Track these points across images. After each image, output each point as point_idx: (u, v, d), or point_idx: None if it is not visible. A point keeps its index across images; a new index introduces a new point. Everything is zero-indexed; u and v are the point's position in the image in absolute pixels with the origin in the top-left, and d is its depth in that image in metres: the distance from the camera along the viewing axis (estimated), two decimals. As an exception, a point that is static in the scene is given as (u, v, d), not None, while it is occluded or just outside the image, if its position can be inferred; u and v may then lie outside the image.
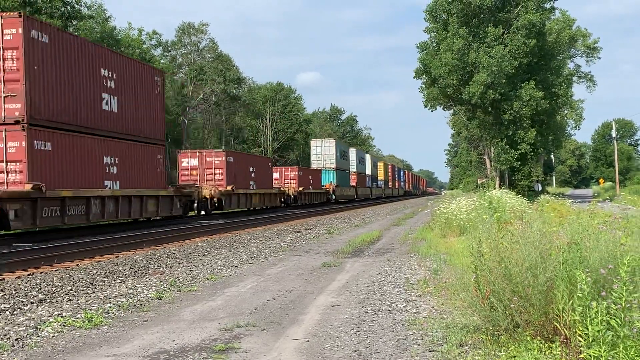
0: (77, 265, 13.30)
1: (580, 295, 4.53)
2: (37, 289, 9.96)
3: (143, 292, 9.54)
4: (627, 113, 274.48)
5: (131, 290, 9.76)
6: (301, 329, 6.85)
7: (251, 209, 39.63)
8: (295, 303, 8.41)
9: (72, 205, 19.23)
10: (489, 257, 5.82)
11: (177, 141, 61.99)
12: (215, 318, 7.54)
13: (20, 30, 17.13)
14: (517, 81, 43.33)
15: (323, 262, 12.71)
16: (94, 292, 9.76)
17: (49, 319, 7.63)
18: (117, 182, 22.11)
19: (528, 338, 5.17)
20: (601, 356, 4.27)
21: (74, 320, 7.50)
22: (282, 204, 46.38)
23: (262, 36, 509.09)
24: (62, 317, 7.75)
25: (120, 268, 12.55)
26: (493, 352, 5.33)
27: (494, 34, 42.09)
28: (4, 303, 8.78)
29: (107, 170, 21.57)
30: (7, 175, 17.13)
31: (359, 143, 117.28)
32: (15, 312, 8.25)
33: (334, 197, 58.47)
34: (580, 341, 4.53)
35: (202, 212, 32.60)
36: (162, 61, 65.05)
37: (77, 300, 9.04)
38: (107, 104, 21.89)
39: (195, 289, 9.80)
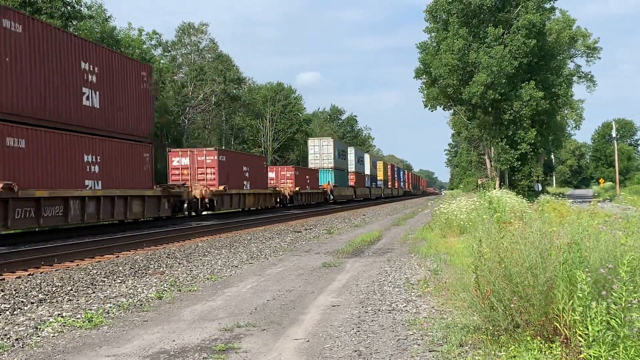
0: (77, 265, 13.30)
1: (580, 295, 4.53)
2: (37, 289, 9.96)
3: (143, 292, 9.55)
4: (627, 113, 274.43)
5: (131, 290, 9.76)
6: (301, 329, 6.85)
7: (246, 209, 38.63)
8: (296, 303, 8.41)
9: (48, 206, 18.21)
10: (489, 257, 5.82)
11: (178, 141, 61.94)
12: (216, 318, 7.54)
13: None
14: (517, 81, 43.33)
15: (323, 262, 12.72)
16: (94, 292, 9.76)
17: (49, 319, 7.64)
18: (99, 182, 21.14)
19: (528, 338, 5.17)
20: (601, 356, 4.27)
21: (74, 320, 7.51)
22: (278, 205, 45.52)
23: (262, 36, 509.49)
24: (62, 317, 7.75)
25: (120, 268, 12.55)
26: (493, 352, 5.33)
27: (494, 34, 42.09)
28: (4, 303, 8.78)
29: (87, 169, 20.53)
30: None
31: (359, 143, 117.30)
32: (15, 312, 8.25)
33: (331, 197, 57.69)
34: (580, 341, 4.53)
35: (193, 213, 31.42)
36: (162, 61, 65.08)
37: (77, 300, 9.04)
38: (87, 99, 20.82)
39: (195, 289, 9.80)
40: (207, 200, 31.85)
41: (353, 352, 5.81)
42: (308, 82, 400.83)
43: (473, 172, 76.31)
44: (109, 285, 10.46)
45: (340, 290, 9.30)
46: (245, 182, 37.82)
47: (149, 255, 14.80)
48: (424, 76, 47.45)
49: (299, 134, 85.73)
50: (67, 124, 19.64)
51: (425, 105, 47.82)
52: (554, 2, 46.65)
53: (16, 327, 7.29)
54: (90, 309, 8.23)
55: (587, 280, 4.53)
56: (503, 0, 44.16)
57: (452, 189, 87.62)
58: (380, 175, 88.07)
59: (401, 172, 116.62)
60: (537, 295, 5.23)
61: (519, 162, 45.57)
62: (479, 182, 51.63)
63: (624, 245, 5.34)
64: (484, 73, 41.05)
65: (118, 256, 14.92)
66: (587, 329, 4.39)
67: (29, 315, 8.02)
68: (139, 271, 12.15)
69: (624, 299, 4.27)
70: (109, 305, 8.52)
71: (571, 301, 4.75)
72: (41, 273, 12.01)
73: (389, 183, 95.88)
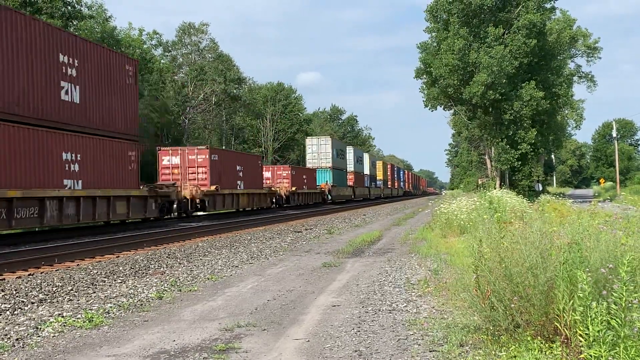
0: (78, 265, 13.30)
1: (581, 295, 4.53)
2: (37, 289, 9.97)
3: (144, 292, 9.55)
4: (627, 113, 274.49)
5: (132, 290, 9.76)
6: (302, 329, 6.85)
7: (241, 210, 37.83)
8: (296, 303, 8.41)
9: (21, 207, 17.07)
10: (490, 257, 5.82)
11: (178, 141, 61.91)
12: (216, 318, 7.54)
13: None
14: (517, 81, 43.33)
15: (323, 262, 12.72)
16: (94, 292, 9.76)
17: (49, 319, 7.64)
18: (79, 181, 19.97)
19: (529, 338, 5.17)
20: (602, 356, 4.27)
21: (74, 320, 7.51)
22: (274, 205, 44.40)
23: (262, 36, 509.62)
24: (62, 317, 7.75)
25: (120, 268, 12.55)
26: (494, 352, 5.33)
27: (495, 34, 42.09)
28: (5, 303, 8.78)
29: (66, 168, 19.34)
30: None
31: (360, 143, 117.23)
32: (15, 312, 8.25)
33: (329, 197, 56.72)
34: (580, 341, 4.53)
35: (184, 215, 30.29)
36: (162, 61, 65.10)
37: (78, 300, 9.05)
38: (66, 93, 19.58)
39: (195, 289, 9.80)
40: (197, 200, 30.78)
41: (353, 352, 5.81)
42: (308, 82, 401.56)
43: (473, 172, 76.26)
44: (110, 285, 10.46)
45: (341, 290, 9.30)
46: (239, 182, 36.80)
47: (149, 255, 14.81)
48: (425, 76, 47.44)
49: (299, 134, 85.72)
50: (44, 119, 18.49)
51: (426, 105, 47.82)
52: (554, 2, 46.74)
53: (16, 327, 7.29)
54: (91, 309, 8.23)
55: (587, 280, 4.53)
56: (503, 0, 44.16)
57: (453, 189, 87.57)
58: (379, 175, 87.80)
59: (401, 172, 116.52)
60: (537, 295, 5.22)
61: (520, 162, 45.57)
62: (480, 182, 51.62)
63: (625, 245, 5.34)
64: (485, 73, 41.05)
65: (118, 256, 14.93)
66: (588, 329, 4.39)
67: (30, 315, 8.02)
68: (140, 271, 12.15)
69: (624, 299, 4.27)
70: (109, 305, 8.52)
71: (572, 301, 4.74)
72: (41, 273, 12.01)
73: (389, 183, 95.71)
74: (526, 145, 43.71)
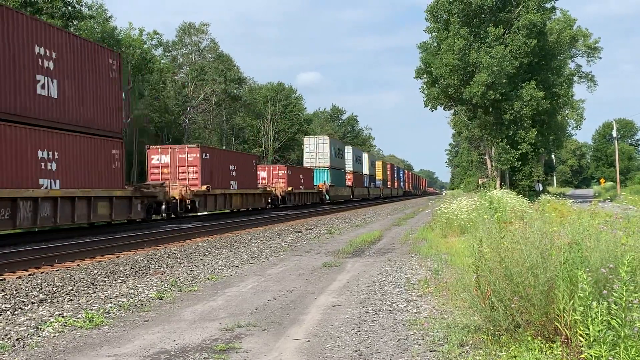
0: (78, 265, 13.31)
1: (581, 295, 4.53)
2: (38, 289, 9.97)
3: (144, 292, 9.55)
4: (627, 113, 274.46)
5: (132, 290, 9.77)
6: (302, 329, 6.85)
7: (235, 210, 36.88)
8: (296, 303, 8.41)
9: None
10: (490, 257, 5.82)
11: (179, 141, 61.90)
12: (216, 318, 7.54)
13: None
14: (517, 81, 43.33)
15: (324, 262, 12.72)
16: (94, 292, 9.76)
17: (49, 319, 7.64)
18: (57, 181, 18.81)
19: (529, 338, 5.17)
20: (602, 356, 4.27)
21: (74, 320, 7.51)
22: (270, 206, 43.44)
23: (262, 36, 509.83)
24: (63, 317, 7.76)
25: (121, 268, 12.56)
26: (494, 352, 5.33)
27: (495, 34, 42.10)
28: (5, 303, 8.79)
29: (42, 167, 18.16)
30: None
31: (360, 143, 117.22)
32: (16, 312, 8.26)
33: (327, 197, 55.64)
34: (581, 341, 4.53)
35: (173, 216, 29.13)
36: (163, 61, 65.10)
37: (78, 300, 9.05)
38: (43, 87, 18.42)
39: (196, 289, 9.80)
40: (188, 201, 29.50)
41: (354, 352, 5.81)
42: (308, 82, 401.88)
43: (474, 172, 76.23)
44: (110, 285, 10.46)
45: (341, 290, 9.30)
46: (232, 182, 35.64)
47: (149, 255, 14.81)
48: (425, 76, 47.44)
49: (299, 134, 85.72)
50: (17, 115, 17.31)
51: (426, 105, 47.81)
52: (554, 2, 46.74)
53: (17, 327, 7.30)
54: (91, 309, 8.24)
55: (588, 280, 4.53)
56: (504, 0, 44.17)
57: (453, 189, 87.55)
58: (379, 175, 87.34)
59: (401, 172, 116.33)
60: (537, 295, 5.22)
61: (520, 162, 45.56)
62: (480, 182, 51.59)
63: (625, 245, 5.34)
64: (485, 73, 41.05)
65: (119, 256, 14.93)
66: (588, 329, 4.39)
67: (30, 315, 8.02)
68: (140, 271, 12.16)
69: (624, 298, 4.27)
70: (109, 305, 8.53)
71: (572, 301, 4.75)
72: (42, 273, 12.01)
73: (389, 183, 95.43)
74: (526, 145, 43.71)
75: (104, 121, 22.15)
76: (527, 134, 43.63)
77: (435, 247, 14.30)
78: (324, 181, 55.98)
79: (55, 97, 19.09)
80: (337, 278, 10.61)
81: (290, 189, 46.42)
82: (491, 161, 48.31)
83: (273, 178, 46.71)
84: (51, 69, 18.86)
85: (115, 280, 10.99)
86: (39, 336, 6.82)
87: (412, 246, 15.63)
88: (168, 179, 30.52)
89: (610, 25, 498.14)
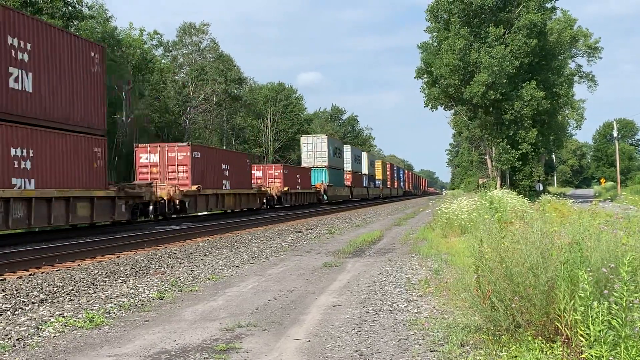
0: (79, 265, 13.31)
1: (581, 295, 4.53)
2: (38, 289, 9.97)
3: (144, 292, 9.55)
4: (628, 113, 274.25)
5: (132, 290, 9.77)
6: (302, 329, 6.85)
7: (228, 211, 35.95)
8: (297, 303, 8.41)
9: None
10: (490, 257, 5.82)
11: (179, 141, 62.02)
12: (217, 318, 7.54)
13: None
14: (518, 81, 43.32)
15: (324, 262, 12.72)
16: (95, 292, 9.76)
17: (50, 319, 7.64)
18: (32, 181, 17.74)
19: (529, 338, 5.17)
20: (602, 356, 4.26)
21: (75, 321, 7.51)
22: (265, 206, 42.44)
23: (262, 36, 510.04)
24: (63, 317, 7.76)
25: (121, 268, 12.56)
26: (494, 352, 5.33)
27: (495, 34, 42.08)
28: (6, 303, 8.79)
29: (16, 165, 17.10)
30: None
31: (360, 143, 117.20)
32: (16, 312, 8.26)
33: (325, 197, 54.67)
34: (581, 341, 4.53)
35: (161, 217, 27.95)
36: (163, 61, 65.11)
37: (79, 300, 9.05)
38: (16, 81, 17.34)
39: (196, 289, 9.80)
40: (177, 201, 28.26)
41: (354, 352, 5.80)
42: (308, 82, 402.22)
43: (474, 172, 76.26)
44: (110, 285, 10.46)
45: (342, 290, 9.30)
46: (224, 182, 34.41)
47: (150, 255, 14.81)
48: (425, 76, 47.43)
49: (300, 134, 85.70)
50: None
51: (426, 105, 47.79)
52: (555, 2, 46.69)
53: (17, 327, 7.30)
54: (92, 309, 8.24)
55: (588, 280, 4.53)
56: (504, 0, 44.16)
57: (453, 189, 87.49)
58: (378, 175, 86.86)
59: (401, 172, 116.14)
60: (538, 295, 5.22)
61: (520, 162, 45.55)
62: (480, 182, 51.60)
63: (625, 245, 5.34)
64: (485, 73, 41.05)
65: (119, 256, 14.94)
66: (589, 329, 4.38)
67: (30, 315, 8.02)
68: (140, 271, 12.16)
69: (625, 298, 4.26)
70: (110, 305, 8.53)
71: (572, 301, 4.74)
72: (42, 273, 12.02)
73: (388, 183, 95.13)
74: (527, 145, 43.70)
75: (85, 117, 20.96)
76: (528, 134, 43.62)
77: (436, 247, 14.30)
78: (322, 181, 55.19)
79: (30, 91, 18.02)
80: (337, 278, 10.61)
81: (286, 188, 45.41)
82: (491, 161, 48.31)
83: (269, 178, 45.77)
84: (26, 61, 17.82)
85: (115, 280, 10.99)
86: (40, 336, 6.82)
87: (413, 246, 15.63)
88: (157, 179, 29.45)
89: (610, 25, 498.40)
